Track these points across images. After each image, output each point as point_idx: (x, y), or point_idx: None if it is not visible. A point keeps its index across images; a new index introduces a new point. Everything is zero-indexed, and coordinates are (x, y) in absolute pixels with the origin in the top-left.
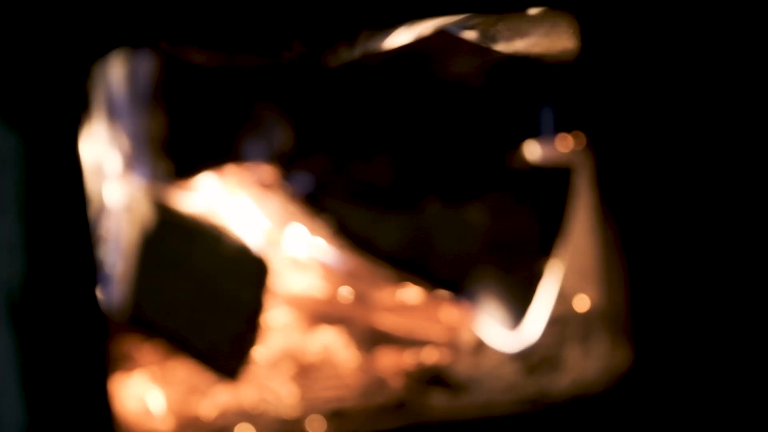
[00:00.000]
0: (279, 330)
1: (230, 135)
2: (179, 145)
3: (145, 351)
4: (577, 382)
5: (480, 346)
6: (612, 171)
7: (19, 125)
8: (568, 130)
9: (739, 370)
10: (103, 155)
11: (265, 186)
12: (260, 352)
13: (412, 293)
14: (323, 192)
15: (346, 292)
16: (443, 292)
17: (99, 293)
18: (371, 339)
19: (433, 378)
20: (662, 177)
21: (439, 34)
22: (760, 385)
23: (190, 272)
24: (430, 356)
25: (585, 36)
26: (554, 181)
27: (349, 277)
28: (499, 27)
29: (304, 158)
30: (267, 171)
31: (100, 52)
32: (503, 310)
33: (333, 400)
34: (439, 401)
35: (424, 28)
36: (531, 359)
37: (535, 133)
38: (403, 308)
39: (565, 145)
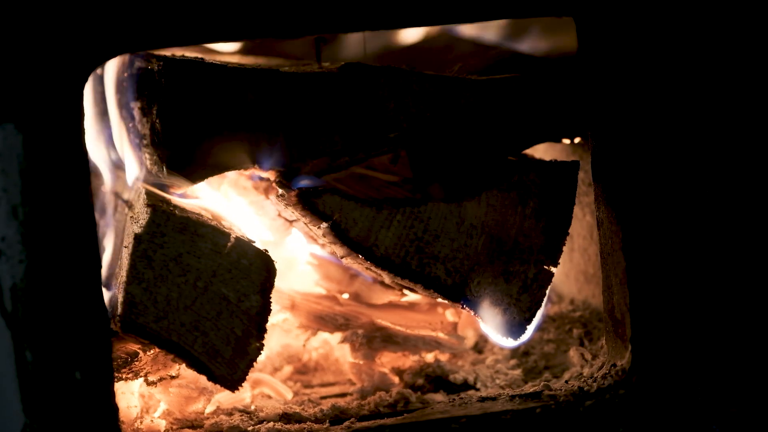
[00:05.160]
0: (279, 330)
1: (230, 136)
2: (179, 147)
3: (145, 353)
4: (577, 382)
5: (480, 346)
6: (614, 170)
7: (20, 127)
8: (571, 130)
9: (739, 370)
10: (104, 157)
11: (266, 188)
12: (261, 353)
13: (412, 294)
14: (323, 193)
15: (346, 293)
16: (443, 293)
17: (100, 295)
18: (371, 339)
19: (433, 377)
20: (664, 176)
21: (443, 34)
22: (760, 385)
23: (190, 275)
24: (430, 356)
25: (588, 36)
26: (556, 180)
27: (349, 278)
28: (502, 27)
29: (304, 159)
30: (267, 173)
31: (99, 54)
32: (503, 310)
33: (333, 399)
34: (439, 400)
35: (428, 29)
36: (531, 358)
37: (538, 133)
38: (403, 308)
39: (567, 144)
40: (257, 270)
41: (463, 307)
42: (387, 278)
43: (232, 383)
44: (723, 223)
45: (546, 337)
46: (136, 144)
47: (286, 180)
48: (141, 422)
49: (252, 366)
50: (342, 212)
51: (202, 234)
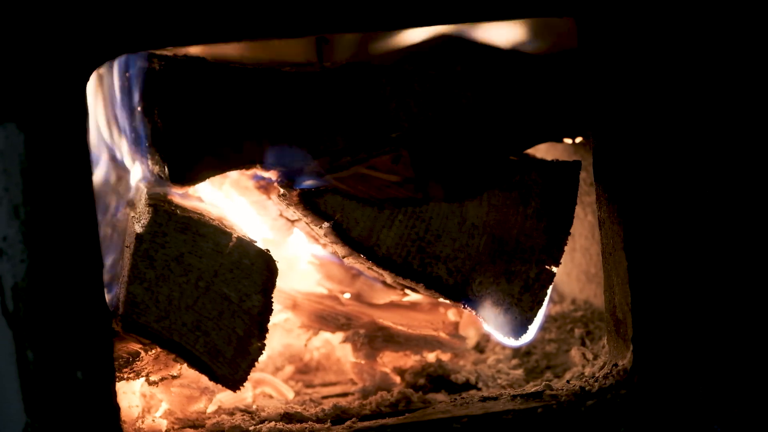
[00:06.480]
0: (281, 330)
1: (232, 137)
2: (181, 147)
3: (147, 353)
4: (579, 382)
5: (481, 346)
6: (615, 170)
7: (22, 126)
8: (573, 130)
9: (740, 370)
10: (105, 157)
11: (267, 187)
12: (263, 352)
13: (413, 293)
14: (325, 193)
15: (347, 292)
16: (444, 293)
17: (102, 294)
18: (372, 338)
19: (434, 377)
20: (666, 176)
21: (443, 35)
22: (761, 385)
23: (192, 274)
24: (431, 355)
25: (588, 36)
26: (558, 180)
27: (350, 278)
28: (502, 27)
29: (305, 159)
30: (269, 172)
31: (102, 53)
32: (505, 309)
33: (334, 399)
34: (440, 400)
35: (429, 30)
36: (532, 358)
37: (540, 133)
38: (404, 308)
39: (569, 144)
40: (259, 270)
41: (464, 307)
42: (389, 278)
43: (234, 383)
44: (724, 222)
45: (547, 337)
46: (139, 144)
47: (287, 180)
48: (142, 422)
49: (253, 366)
50: (344, 212)
51: (204, 234)
